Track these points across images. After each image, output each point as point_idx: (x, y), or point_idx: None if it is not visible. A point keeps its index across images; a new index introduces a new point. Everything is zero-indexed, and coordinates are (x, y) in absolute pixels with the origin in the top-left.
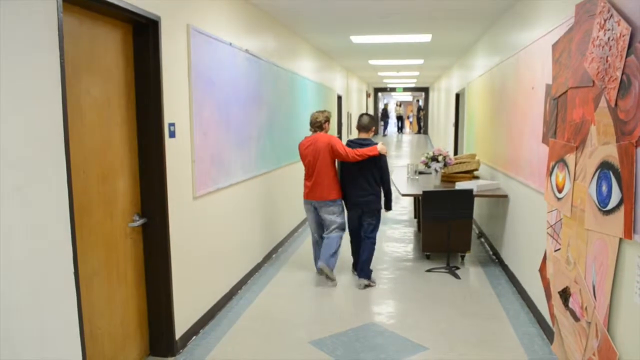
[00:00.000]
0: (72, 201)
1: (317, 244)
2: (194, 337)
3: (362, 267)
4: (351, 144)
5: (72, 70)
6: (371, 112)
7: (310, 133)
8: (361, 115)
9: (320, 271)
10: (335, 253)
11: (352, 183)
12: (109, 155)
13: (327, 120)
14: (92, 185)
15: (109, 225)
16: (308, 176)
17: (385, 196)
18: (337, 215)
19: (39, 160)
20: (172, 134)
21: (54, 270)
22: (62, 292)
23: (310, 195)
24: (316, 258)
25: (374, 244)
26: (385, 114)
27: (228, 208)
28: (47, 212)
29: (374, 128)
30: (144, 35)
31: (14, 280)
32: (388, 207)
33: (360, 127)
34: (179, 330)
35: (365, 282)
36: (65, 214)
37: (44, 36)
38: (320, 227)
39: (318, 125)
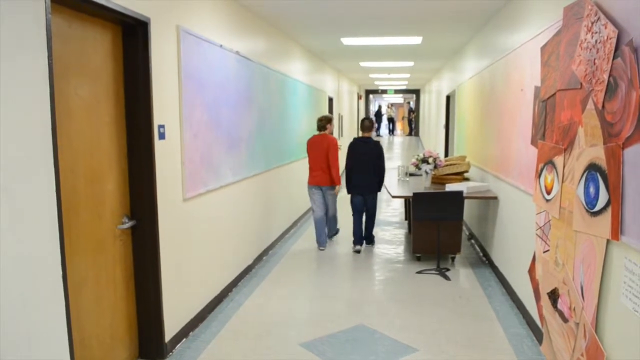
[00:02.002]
0: (60, 202)
1: (320, 220)
2: (184, 340)
3: (368, 235)
4: (357, 140)
5: (61, 71)
6: (362, 113)
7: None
8: (363, 120)
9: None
10: (327, 235)
11: (360, 171)
12: (97, 156)
13: (329, 121)
14: (80, 186)
15: (98, 227)
16: (311, 167)
17: (378, 180)
18: (334, 197)
19: (27, 161)
20: (161, 136)
21: (42, 273)
22: (50, 295)
23: (314, 182)
24: (318, 235)
25: (375, 215)
26: (379, 115)
27: (218, 210)
28: (35, 213)
29: (373, 129)
30: (133, 36)
31: (1, 283)
32: (379, 189)
33: (364, 128)
34: (169, 333)
35: (370, 246)
36: (53, 215)
37: (33, 37)
38: (325, 206)
39: (322, 126)
